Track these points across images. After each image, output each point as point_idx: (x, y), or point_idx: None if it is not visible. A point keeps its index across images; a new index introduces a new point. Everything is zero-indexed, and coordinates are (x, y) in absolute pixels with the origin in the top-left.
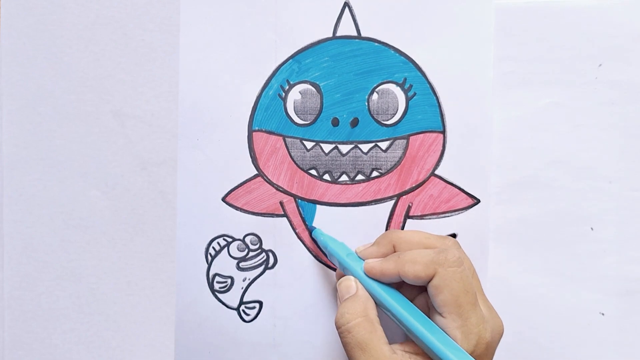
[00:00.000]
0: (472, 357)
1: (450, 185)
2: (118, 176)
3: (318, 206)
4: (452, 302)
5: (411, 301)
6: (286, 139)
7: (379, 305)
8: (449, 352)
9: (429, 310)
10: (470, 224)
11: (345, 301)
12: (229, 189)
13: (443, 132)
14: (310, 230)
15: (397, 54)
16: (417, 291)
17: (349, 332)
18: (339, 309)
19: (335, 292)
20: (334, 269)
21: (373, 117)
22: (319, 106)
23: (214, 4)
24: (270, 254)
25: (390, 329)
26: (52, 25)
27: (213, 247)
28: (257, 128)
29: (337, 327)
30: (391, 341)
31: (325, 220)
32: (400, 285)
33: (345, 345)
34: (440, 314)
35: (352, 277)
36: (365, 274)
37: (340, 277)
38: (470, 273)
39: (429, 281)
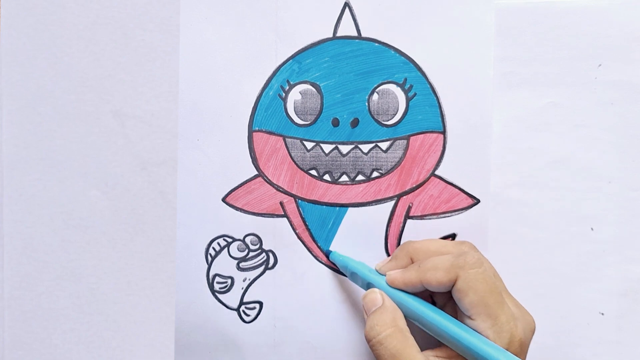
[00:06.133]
0: (510, 353)
1: (450, 186)
2: (118, 176)
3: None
4: (479, 303)
5: None
6: (286, 139)
7: (407, 315)
8: (489, 349)
9: (456, 317)
10: (470, 224)
11: (373, 313)
12: (229, 189)
13: (443, 132)
14: (327, 253)
15: (397, 54)
16: (441, 302)
17: (381, 344)
18: (368, 322)
19: (335, 294)
20: (335, 270)
21: (373, 118)
22: (319, 106)
23: (214, 4)
24: (271, 254)
25: (417, 340)
26: (52, 25)
27: (213, 248)
28: (257, 128)
29: (368, 340)
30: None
31: (325, 220)
32: (425, 298)
33: (378, 357)
34: (469, 317)
35: (376, 290)
36: (389, 285)
37: None
38: (492, 273)
39: (453, 286)
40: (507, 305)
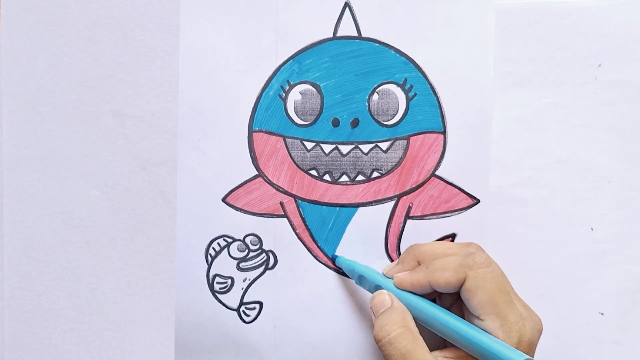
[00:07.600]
0: (521, 352)
1: (450, 186)
2: (118, 176)
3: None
4: (488, 302)
5: None
6: (286, 139)
7: (415, 316)
8: (501, 347)
9: (464, 318)
10: (470, 224)
11: (382, 314)
12: (229, 190)
13: (443, 132)
14: (333, 259)
15: (397, 55)
16: (447, 305)
17: (391, 344)
18: (377, 322)
19: (335, 294)
20: (334, 270)
21: (373, 118)
22: (319, 107)
23: (214, 4)
24: (271, 255)
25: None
26: (52, 25)
27: (213, 248)
28: (257, 128)
29: (377, 341)
30: None
31: (325, 220)
32: (430, 300)
33: (387, 357)
34: (477, 317)
35: (384, 291)
36: (397, 287)
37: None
38: (499, 273)
39: (461, 286)
40: (515, 305)
